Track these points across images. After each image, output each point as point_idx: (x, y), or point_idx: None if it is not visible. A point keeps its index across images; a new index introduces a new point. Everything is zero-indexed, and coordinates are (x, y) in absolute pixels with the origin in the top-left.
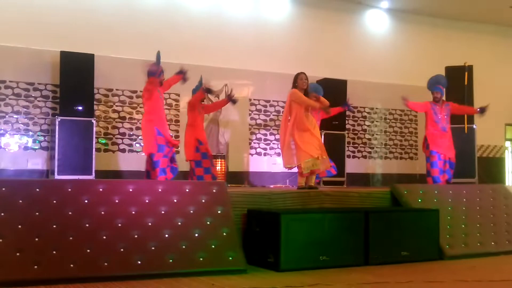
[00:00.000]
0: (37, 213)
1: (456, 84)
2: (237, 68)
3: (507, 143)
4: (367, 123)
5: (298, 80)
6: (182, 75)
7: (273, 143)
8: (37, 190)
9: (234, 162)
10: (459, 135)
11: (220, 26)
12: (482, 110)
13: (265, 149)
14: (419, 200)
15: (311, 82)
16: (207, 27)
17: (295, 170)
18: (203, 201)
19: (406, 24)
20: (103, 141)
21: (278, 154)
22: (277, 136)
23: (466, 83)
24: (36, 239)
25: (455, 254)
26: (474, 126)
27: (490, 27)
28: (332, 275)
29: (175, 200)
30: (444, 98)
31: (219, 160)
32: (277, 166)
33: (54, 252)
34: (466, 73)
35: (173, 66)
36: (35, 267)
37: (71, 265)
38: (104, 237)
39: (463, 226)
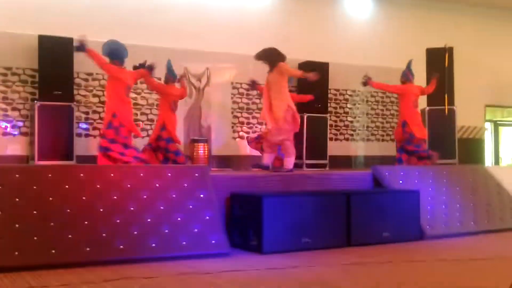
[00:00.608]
0: (17, 199)
1: (437, 65)
2: (219, 51)
3: (487, 124)
4: (349, 105)
5: None
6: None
7: (256, 127)
8: (17, 176)
9: (217, 146)
10: (439, 117)
11: (201, 9)
12: None
13: (247, 132)
14: (400, 182)
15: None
16: (189, 10)
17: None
18: (186, 185)
19: (387, 5)
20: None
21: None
22: (261, 120)
23: (446, 64)
24: (17, 225)
25: (435, 234)
26: (455, 108)
27: (470, 8)
28: (314, 257)
29: (157, 185)
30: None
31: (202, 144)
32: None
33: (35, 238)
34: (447, 55)
35: (154, 49)
36: (16, 253)
37: (53, 251)
38: (86, 223)
39: (443, 206)
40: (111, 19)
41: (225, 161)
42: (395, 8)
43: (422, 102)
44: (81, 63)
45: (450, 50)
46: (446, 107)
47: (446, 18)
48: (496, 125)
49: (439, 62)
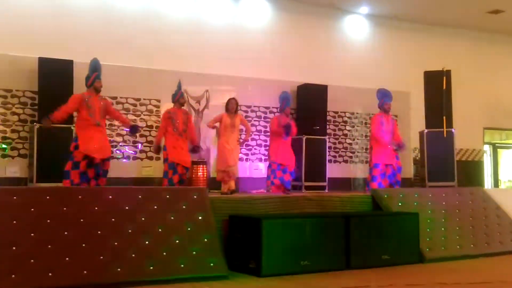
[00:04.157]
0: (14, 222)
1: (435, 88)
2: (218, 74)
3: (486, 147)
4: (347, 128)
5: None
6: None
7: (255, 149)
8: (15, 198)
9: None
10: (438, 139)
11: (200, 32)
12: (399, 147)
13: (246, 154)
14: (399, 204)
15: None
16: (188, 33)
17: None
18: (184, 207)
19: (386, 29)
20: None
21: (260, 160)
22: (259, 142)
23: (444, 87)
24: (14, 248)
25: (435, 257)
26: (453, 130)
27: (468, 32)
28: (313, 280)
29: (155, 207)
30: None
31: (201, 166)
32: (259, 171)
33: (32, 260)
34: (445, 78)
35: (153, 72)
36: (13, 276)
37: (50, 274)
38: (84, 245)
39: (442, 229)
40: (111, 41)
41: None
42: (393, 32)
43: (421, 125)
44: (81, 85)
45: (448, 73)
46: (445, 129)
47: (444, 41)
48: (495, 147)
49: (437, 85)
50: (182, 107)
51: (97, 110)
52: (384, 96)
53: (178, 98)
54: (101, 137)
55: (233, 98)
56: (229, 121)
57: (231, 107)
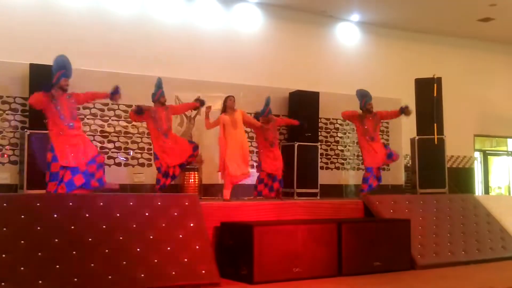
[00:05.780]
0: (4, 229)
1: (425, 95)
2: (210, 81)
3: (476, 154)
4: (339, 134)
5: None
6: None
7: None
8: (4, 205)
9: (207, 175)
10: (429, 146)
11: (193, 39)
12: (403, 110)
13: None
14: (391, 211)
15: None
16: (180, 40)
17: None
18: (175, 214)
19: (377, 37)
20: None
21: (252, 166)
22: (251, 148)
23: (435, 94)
24: (3, 256)
25: (426, 264)
26: (444, 137)
27: (458, 40)
28: (305, 287)
29: (146, 214)
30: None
31: (192, 172)
32: (250, 178)
33: (22, 268)
34: (435, 85)
35: (145, 78)
36: (2, 284)
37: (40, 281)
38: (74, 253)
39: (434, 236)
40: (103, 48)
41: (215, 189)
42: (384, 39)
43: (412, 131)
44: (71, 90)
45: (438, 81)
46: (436, 136)
47: (435, 49)
48: (486, 154)
49: (428, 92)
50: (163, 106)
51: (67, 111)
52: (364, 96)
53: (159, 97)
54: (78, 142)
55: (231, 96)
56: (228, 120)
57: (230, 104)
